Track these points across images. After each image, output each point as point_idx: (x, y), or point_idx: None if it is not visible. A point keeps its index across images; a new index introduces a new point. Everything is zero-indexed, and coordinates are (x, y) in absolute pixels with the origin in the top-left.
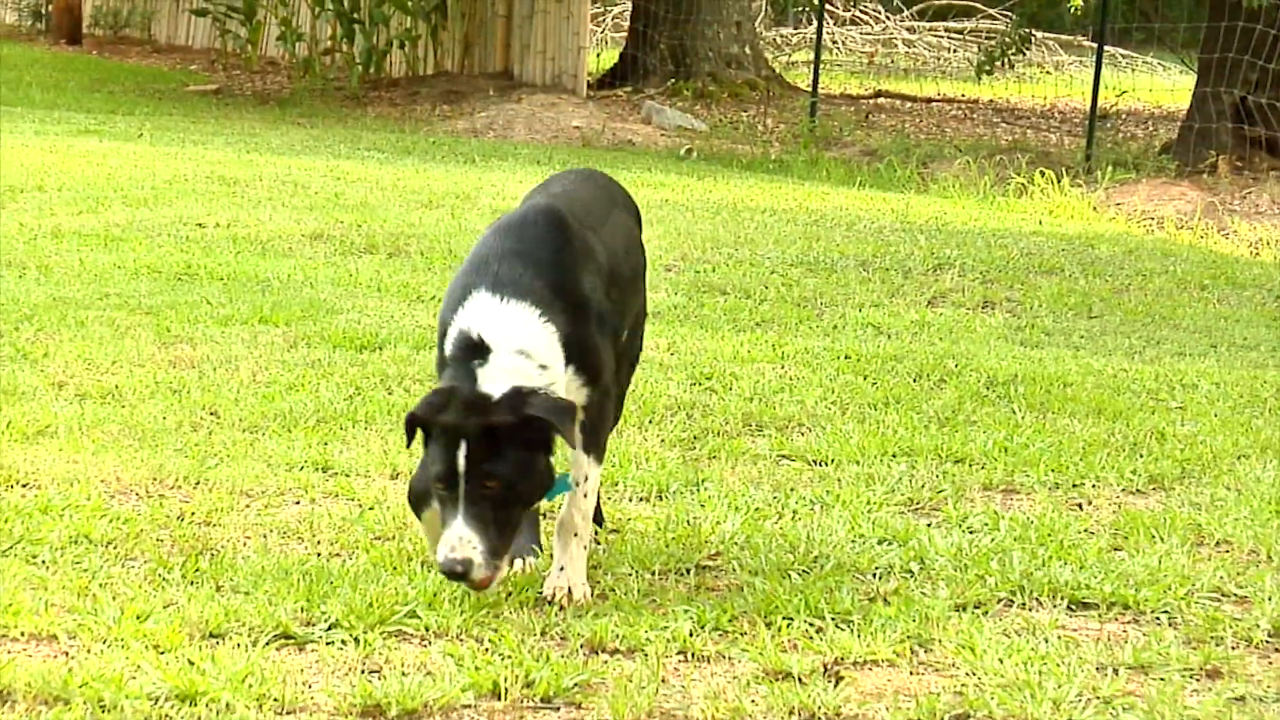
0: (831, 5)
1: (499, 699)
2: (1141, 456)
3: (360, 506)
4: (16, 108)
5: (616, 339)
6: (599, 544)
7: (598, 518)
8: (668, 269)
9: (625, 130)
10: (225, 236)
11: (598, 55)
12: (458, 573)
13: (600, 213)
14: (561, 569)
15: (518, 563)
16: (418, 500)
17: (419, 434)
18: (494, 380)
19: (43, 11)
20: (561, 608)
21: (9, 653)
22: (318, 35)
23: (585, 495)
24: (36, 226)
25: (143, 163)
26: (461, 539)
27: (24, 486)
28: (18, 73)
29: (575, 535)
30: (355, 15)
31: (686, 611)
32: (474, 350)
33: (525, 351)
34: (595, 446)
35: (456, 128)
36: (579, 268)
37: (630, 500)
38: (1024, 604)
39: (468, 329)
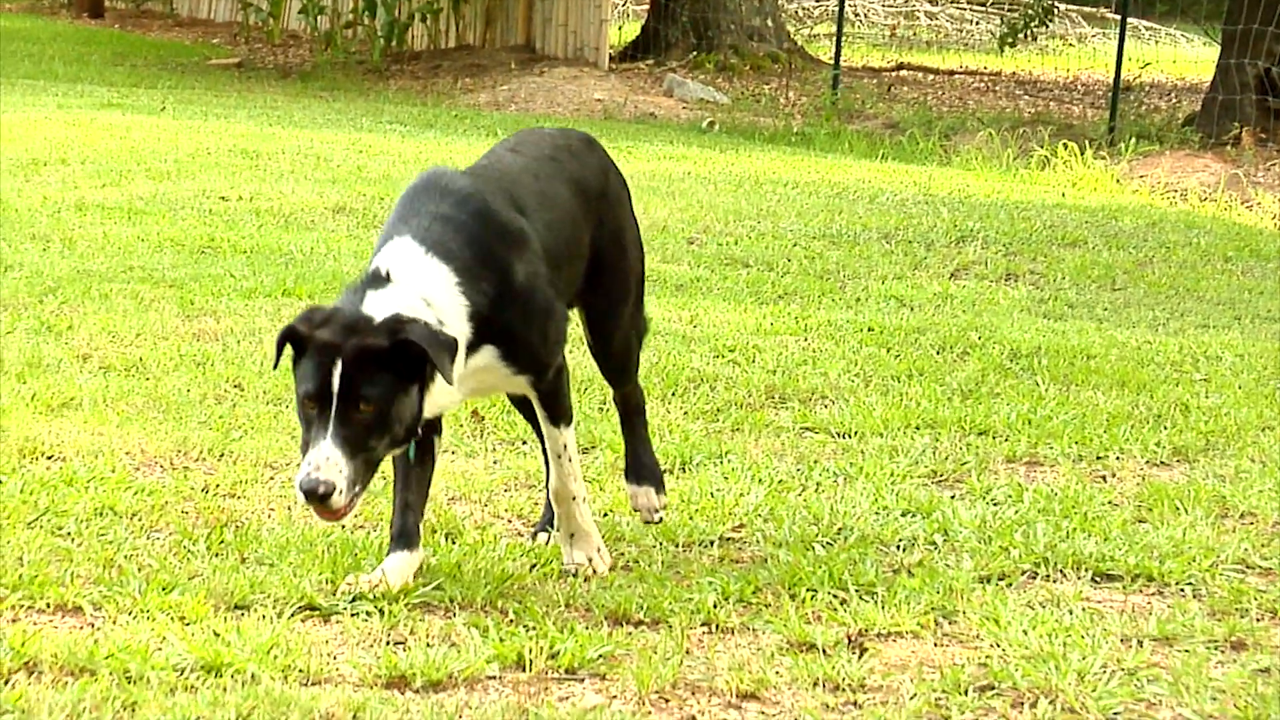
0: None
1: (524, 670)
2: (1165, 429)
3: (384, 479)
4: (39, 81)
5: (557, 319)
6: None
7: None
8: (690, 241)
9: (647, 103)
10: (248, 210)
11: (619, 28)
12: (318, 494)
13: (540, 188)
14: (572, 536)
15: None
16: None
17: (288, 351)
18: (380, 307)
19: None
20: (586, 579)
21: (35, 624)
22: (339, 8)
23: (569, 459)
24: (60, 200)
25: (165, 136)
26: (328, 460)
27: (49, 458)
28: (41, 46)
29: (574, 499)
30: None
31: (710, 583)
32: (375, 280)
33: (428, 300)
34: (560, 413)
35: (478, 101)
36: (510, 255)
37: None
38: (1048, 576)
39: (380, 266)
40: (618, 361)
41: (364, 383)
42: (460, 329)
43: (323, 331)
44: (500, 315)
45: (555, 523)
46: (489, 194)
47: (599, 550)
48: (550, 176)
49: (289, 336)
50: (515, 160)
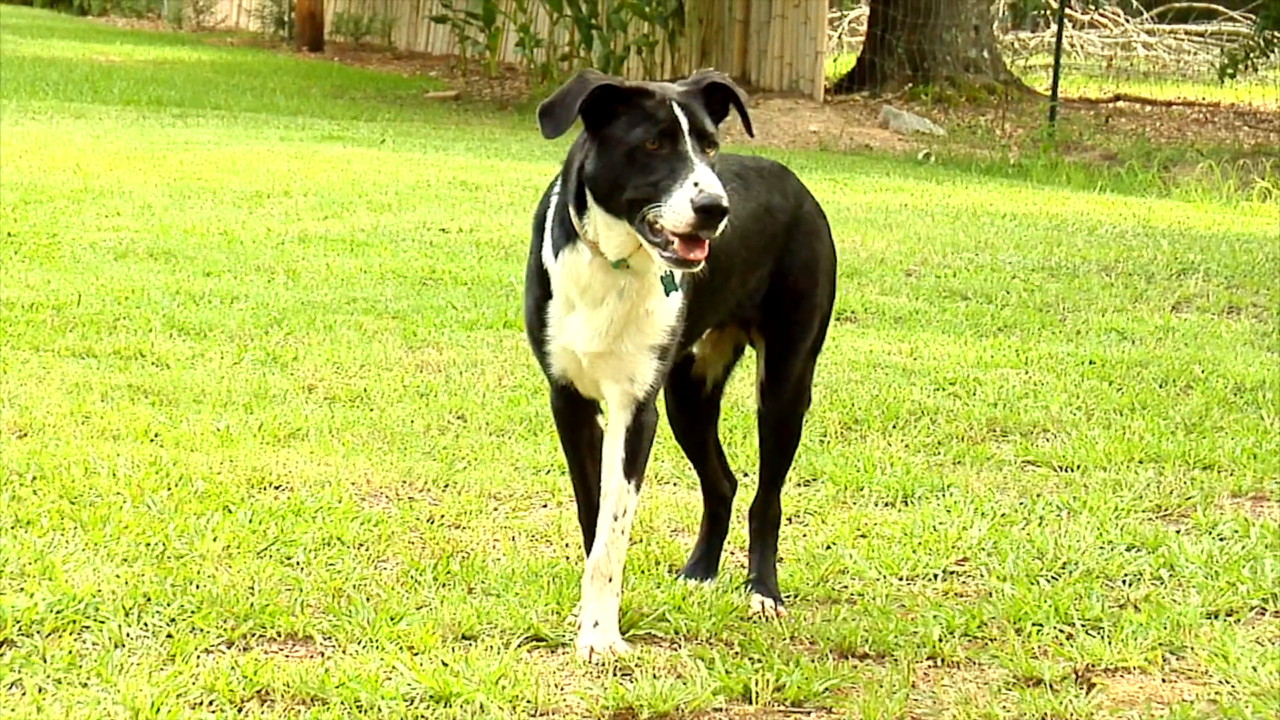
0: (1070, 9)
1: (750, 703)
2: None
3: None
4: (262, 114)
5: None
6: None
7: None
8: (908, 274)
9: (862, 135)
10: (468, 241)
11: (834, 60)
12: (723, 207)
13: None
14: (596, 624)
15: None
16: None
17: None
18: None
19: (286, 19)
20: (595, 665)
21: (266, 653)
22: (555, 41)
23: (622, 532)
24: (283, 231)
25: (385, 168)
26: (712, 180)
27: (277, 489)
28: (262, 79)
29: (609, 581)
30: (593, 21)
31: (935, 617)
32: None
33: None
34: (637, 463)
35: None
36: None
37: (875, 505)
38: (1277, 612)
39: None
40: (785, 406)
41: (709, 120)
42: None
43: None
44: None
45: (587, 613)
46: None
47: (619, 642)
48: (732, 192)
49: (600, 90)
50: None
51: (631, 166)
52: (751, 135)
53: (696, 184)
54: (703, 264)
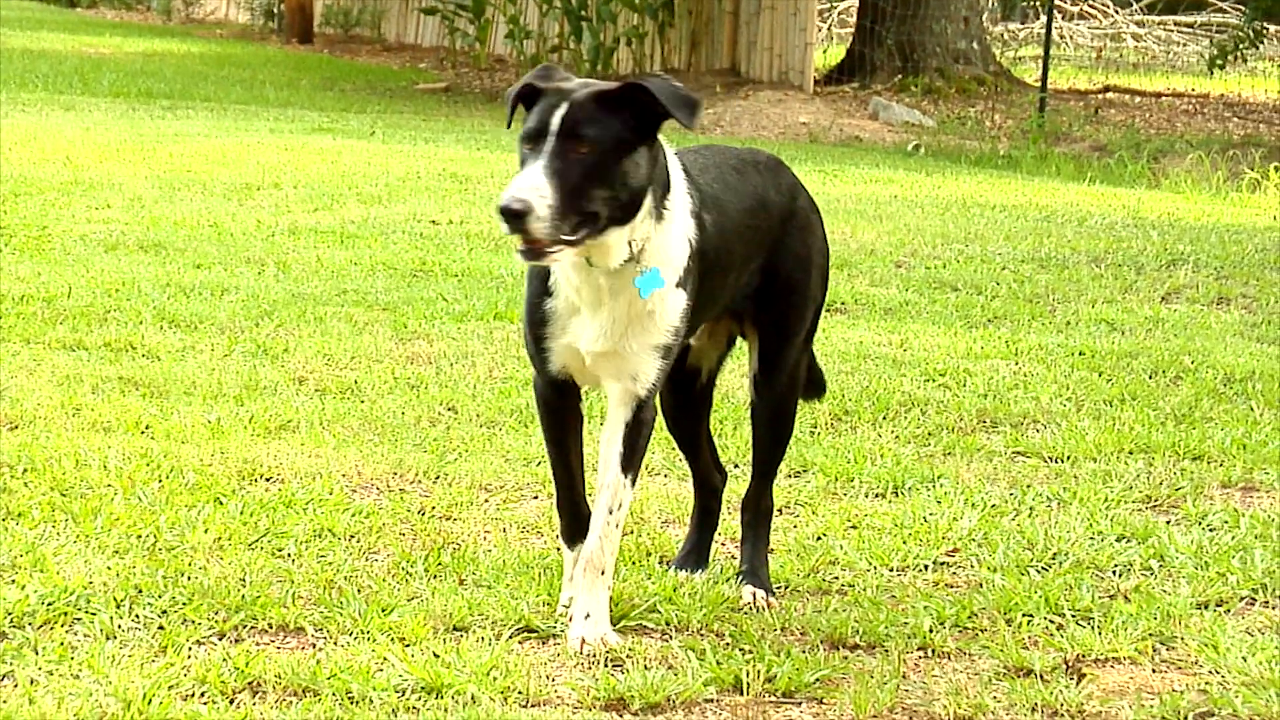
0: (1059, 0)
1: (741, 694)
2: None
3: None
4: (252, 106)
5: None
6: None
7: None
8: (898, 265)
9: (852, 126)
10: (458, 233)
11: (824, 51)
12: (513, 210)
13: (716, 193)
14: (587, 616)
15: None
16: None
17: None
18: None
19: (275, 11)
20: (586, 656)
21: (258, 644)
22: (545, 33)
23: (616, 525)
24: (274, 224)
25: (375, 160)
26: (533, 185)
27: (268, 481)
28: (252, 71)
29: (601, 574)
30: (583, 12)
31: (926, 608)
32: None
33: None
34: (633, 466)
35: None
36: (708, 209)
37: (866, 496)
38: (1267, 602)
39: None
40: (778, 397)
41: (586, 122)
42: (678, 235)
43: (556, 83)
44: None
45: (579, 605)
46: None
47: (610, 634)
48: (731, 186)
49: (524, 89)
50: (696, 160)
51: (522, 165)
52: (690, 128)
53: (513, 185)
54: (551, 257)
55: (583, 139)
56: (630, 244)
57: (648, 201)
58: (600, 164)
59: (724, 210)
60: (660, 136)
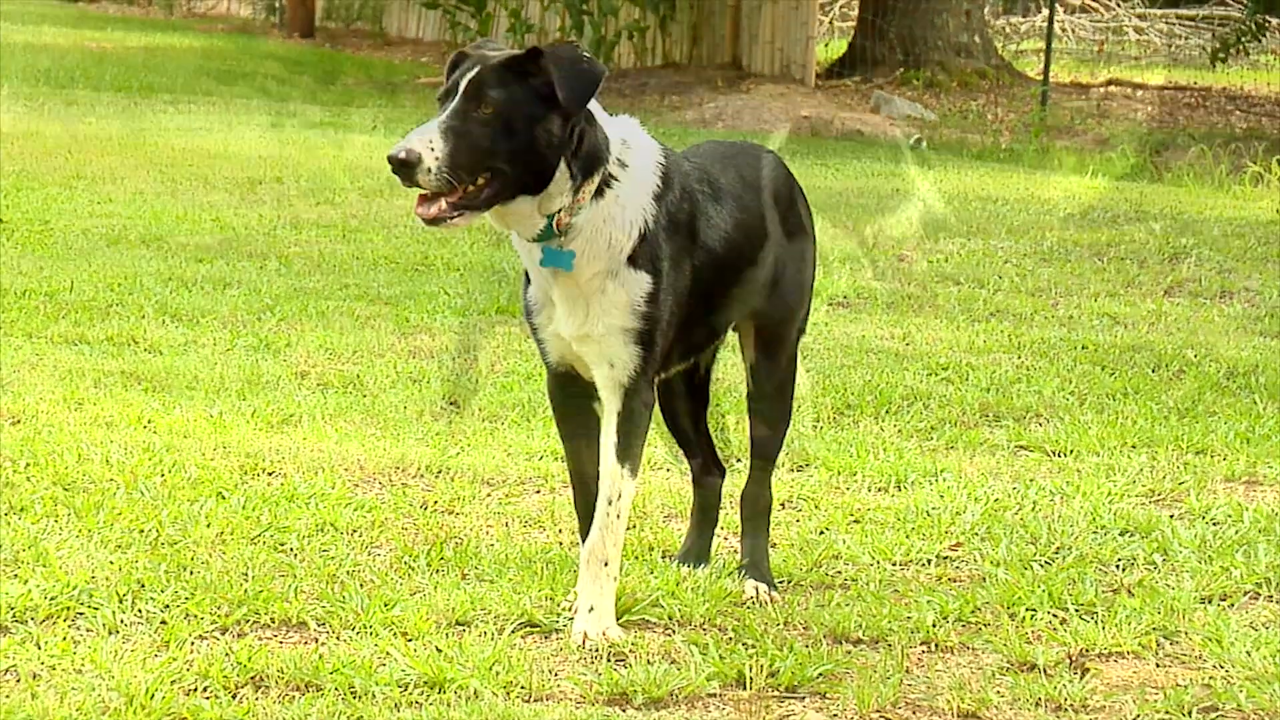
0: None
1: (744, 688)
2: None
3: None
4: (253, 100)
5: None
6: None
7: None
8: (900, 259)
9: (854, 120)
10: (460, 228)
11: (826, 45)
12: (399, 159)
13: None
14: (591, 609)
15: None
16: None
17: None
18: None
19: (277, 5)
20: (589, 651)
21: (260, 639)
22: (546, 27)
23: (618, 516)
24: (275, 218)
25: (377, 154)
26: (425, 138)
27: (270, 475)
28: (253, 65)
29: (605, 565)
30: (584, 6)
31: (929, 602)
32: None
33: (626, 141)
34: (630, 456)
35: (685, 118)
36: (698, 216)
37: (868, 490)
38: (1271, 596)
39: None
40: (776, 387)
41: (491, 84)
42: (637, 199)
43: (483, 50)
44: (658, 242)
45: (583, 597)
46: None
47: (614, 628)
48: (722, 176)
49: (454, 61)
50: (693, 152)
51: None
52: (570, 110)
53: (410, 136)
54: (450, 223)
55: (485, 99)
56: (550, 217)
57: (564, 172)
58: (501, 126)
59: (714, 201)
60: (595, 111)
